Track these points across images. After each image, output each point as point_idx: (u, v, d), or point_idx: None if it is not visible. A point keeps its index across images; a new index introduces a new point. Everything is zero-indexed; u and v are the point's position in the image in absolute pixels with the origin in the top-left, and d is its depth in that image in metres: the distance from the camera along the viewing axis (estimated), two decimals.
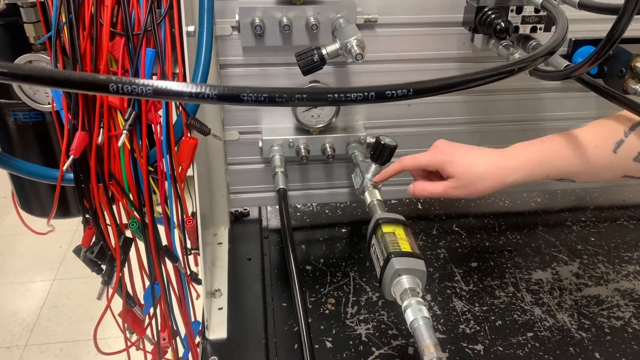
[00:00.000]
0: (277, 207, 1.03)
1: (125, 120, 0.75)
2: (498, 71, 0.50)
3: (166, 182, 0.80)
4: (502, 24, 0.82)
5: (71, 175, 0.80)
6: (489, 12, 0.84)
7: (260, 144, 0.97)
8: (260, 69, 0.93)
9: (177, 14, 0.73)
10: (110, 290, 0.91)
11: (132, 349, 1.02)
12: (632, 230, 1.09)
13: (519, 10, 0.84)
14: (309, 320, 0.77)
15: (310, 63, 0.80)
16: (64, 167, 0.76)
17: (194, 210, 0.85)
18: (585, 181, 0.76)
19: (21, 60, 0.78)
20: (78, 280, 2.41)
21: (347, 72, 0.95)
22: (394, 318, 0.86)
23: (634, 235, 1.08)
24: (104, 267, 0.90)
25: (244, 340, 0.83)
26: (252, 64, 0.92)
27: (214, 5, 0.78)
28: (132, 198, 0.81)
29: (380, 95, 0.44)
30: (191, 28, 0.74)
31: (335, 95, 0.44)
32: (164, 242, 0.87)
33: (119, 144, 0.75)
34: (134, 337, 0.99)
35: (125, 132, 0.75)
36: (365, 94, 0.44)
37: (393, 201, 1.18)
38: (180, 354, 1.00)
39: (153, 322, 0.96)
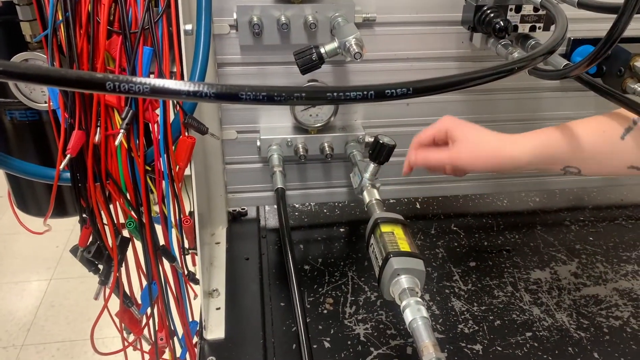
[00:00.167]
0: (275, 206, 1.03)
1: (123, 119, 0.75)
2: (498, 70, 0.50)
3: (163, 182, 0.80)
4: (501, 23, 0.82)
5: (68, 174, 0.79)
6: (488, 11, 0.84)
7: (258, 143, 0.97)
8: (258, 68, 0.93)
9: (174, 12, 0.73)
10: (108, 290, 0.90)
11: (130, 349, 1.01)
12: (631, 230, 1.09)
13: (518, 9, 0.84)
14: (307, 320, 0.77)
15: (308, 62, 0.79)
16: (61, 167, 0.76)
17: (192, 210, 0.84)
18: (590, 172, 0.73)
19: (17, 58, 0.78)
20: (75, 279, 2.41)
21: (346, 71, 0.95)
22: (392, 318, 0.86)
23: (632, 235, 1.08)
24: (101, 267, 0.90)
25: (242, 340, 0.82)
26: (250, 63, 0.92)
27: (212, 3, 0.77)
28: (129, 197, 0.81)
29: (379, 94, 0.44)
30: (189, 26, 0.74)
31: (335, 94, 0.43)
32: (162, 241, 0.86)
33: (116, 143, 0.75)
34: (131, 337, 0.99)
35: (122, 131, 0.74)
36: (365, 93, 0.43)
37: (391, 200, 1.18)
38: (178, 354, 1.00)
39: (150, 322, 0.95)
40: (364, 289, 0.92)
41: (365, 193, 0.85)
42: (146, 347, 1.02)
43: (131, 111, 0.75)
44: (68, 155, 0.74)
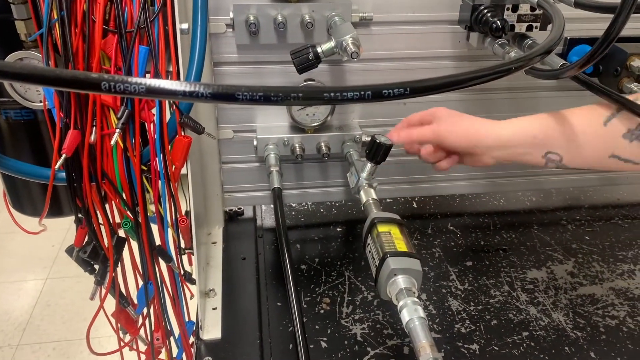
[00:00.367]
0: (272, 206, 1.02)
1: (118, 119, 0.74)
2: (495, 70, 0.50)
3: (160, 181, 0.80)
4: (498, 22, 0.82)
5: (63, 174, 0.79)
6: (485, 11, 0.84)
7: (255, 143, 0.96)
8: (254, 67, 0.92)
9: (170, 11, 0.72)
10: (103, 291, 0.90)
11: (126, 349, 1.01)
12: (627, 229, 1.10)
13: (515, 8, 0.84)
14: (304, 320, 0.76)
15: (305, 61, 0.79)
16: (56, 166, 0.75)
17: (188, 210, 0.84)
18: (571, 161, 0.72)
19: (12, 57, 0.77)
20: (71, 279, 2.40)
21: (343, 70, 0.95)
22: (389, 318, 0.86)
23: (628, 234, 1.08)
24: (97, 267, 0.89)
25: (239, 340, 0.82)
26: (246, 62, 0.92)
27: (208, 2, 0.77)
28: (125, 197, 0.80)
29: (377, 94, 0.43)
30: (185, 25, 0.73)
31: (332, 94, 0.43)
32: (158, 241, 0.86)
33: (112, 142, 0.74)
34: (127, 338, 0.98)
35: (118, 130, 0.74)
36: (362, 93, 0.43)
37: (388, 200, 1.18)
38: (174, 355, 1.00)
39: (147, 322, 0.95)
40: (360, 289, 0.92)
41: (362, 193, 0.84)
42: (142, 347, 1.01)
43: (127, 111, 0.74)
44: (63, 155, 0.74)
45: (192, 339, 0.92)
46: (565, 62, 0.78)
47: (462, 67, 0.97)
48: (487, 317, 0.86)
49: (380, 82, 0.45)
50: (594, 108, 0.71)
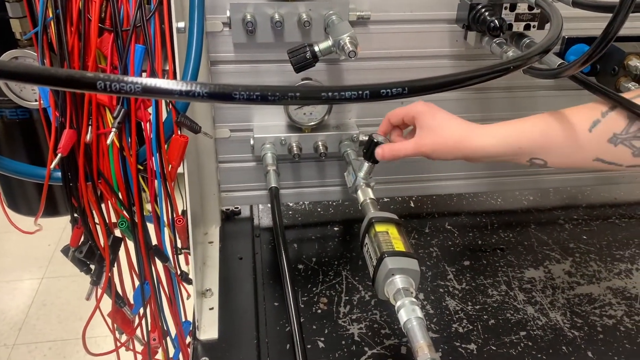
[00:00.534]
0: (269, 205, 1.02)
1: (114, 118, 0.74)
2: (494, 69, 0.50)
3: (156, 181, 0.79)
4: (496, 21, 0.82)
5: (59, 173, 0.79)
6: (483, 10, 0.84)
7: (251, 142, 0.96)
8: (251, 66, 0.92)
9: (167, 9, 0.72)
10: (99, 291, 0.89)
11: (122, 350, 1.01)
12: (624, 229, 1.10)
13: (513, 7, 0.84)
14: (301, 320, 0.76)
15: (302, 60, 0.79)
16: (52, 166, 0.75)
17: (184, 209, 0.84)
18: (555, 164, 0.72)
19: (7, 56, 0.77)
20: (67, 278, 2.39)
21: (340, 69, 0.94)
22: (386, 317, 0.86)
23: (625, 234, 1.08)
24: (93, 266, 0.89)
25: (236, 340, 0.82)
26: (243, 61, 0.91)
27: (205, 1, 0.77)
28: (121, 197, 0.80)
29: (375, 94, 0.43)
30: (181, 24, 0.73)
31: (329, 93, 0.43)
32: (154, 241, 0.86)
33: (108, 142, 0.74)
34: (124, 338, 0.98)
35: (114, 130, 0.73)
36: (360, 92, 0.43)
37: (385, 199, 1.18)
38: (171, 355, 0.99)
39: (143, 322, 0.95)
40: (358, 289, 0.92)
41: (359, 192, 0.84)
42: (139, 347, 1.01)
43: (123, 110, 0.74)
44: (59, 155, 0.73)
45: (188, 339, 0.92)
46: (563, 61, 0.78)
47: (459, 66, 0.97)
48: (485, 316, 0.86)
49: (377, 81, 0.44)
50: (581, 112, 0.70)
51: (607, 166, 0.69)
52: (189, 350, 0.90)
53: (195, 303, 0.86)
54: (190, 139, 0.78)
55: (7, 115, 0.85)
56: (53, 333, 2.14)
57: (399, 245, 0.69)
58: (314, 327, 0.84)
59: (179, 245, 0.88)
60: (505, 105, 1.03)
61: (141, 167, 0.79)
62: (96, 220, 0.83)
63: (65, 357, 2.04)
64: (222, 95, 0.41)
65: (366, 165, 0.85)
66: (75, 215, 0.83)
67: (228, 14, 0.84)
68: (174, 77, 0.76)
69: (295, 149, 0.95)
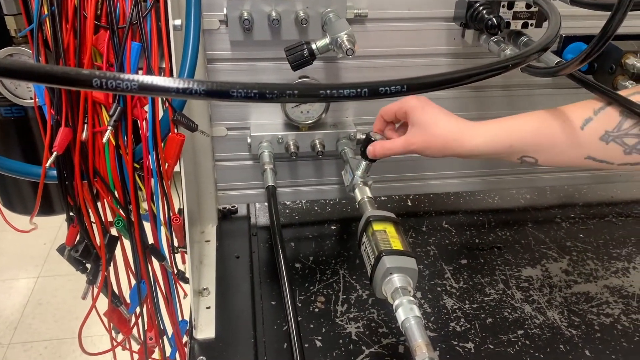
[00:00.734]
0: (266, 204, 1.02)
1: (110, 116, 0.74)
2: (493, 67, 0.50)
3: (152, 179, 0.79)
4: (494, 19, 0.81)
5: (54, 172, 0.78)
6: (480, 8, 0.83)
7: (248, 140, 0.96)
8: (248, 64, 0.92)
9: (163, 6, 0.71)
10: (96, 290, 0.89)
11: (118, 349, 1.00)
12: (621, 227, 1.10)
13: (511, 5, 0.83)
14: (299, 319, 0.76)
15: (300, 58, 0.79)
16: (47, 164, 0.74)
17: (181, 208, 0.83)
18: (547, 162, 0.72)
19: (1, 53, 0.76)
20: (63, 277, 2.38)
21: (337, 67, 0.94)
22: (384, 316, 0.85)
23: (622, 232, 1.08)
24: (88, 265, 0.88)
25: (233, 339, 0.81)
26: (240, 59, 0.91)
27: None
28: (117, 195, 0.80)
29: (373, 91, 0.43)
30: (178, 21, 0.72)
31: (328, 91, 0.42)
32: (151, 240, 0.85)
33: (104, 140, 0.73)
34: (120, 337, 0.97)
35: (110, 128, 0.73)
36: (358, 90, 0.43)
37: (383, 198, 1.17)
38: (168, 354, 0.99)
39: (139, 321, 0.94)
40: (355, 287, 0.91)
41: (356, 191, 0.84)
42: (135, 346, 1.00)
43: (119, 108, 0.74)
44: (54, 153, 0.73)
45: (185, 338, 0.91)
46: (560, 59, 0.78)
47: (457, 65, 0.97)
48: (482, 315, 0.86)
49: (375, 79, 0.44)
50: (574, 110, 0.69)
51: (598, 164, 0.69)
52: (185, 349, 0.90)
53: (192, 302, 0.86)
54: (187, 137, 0.78)
55: (2, 113, 0.84)
56: (49, 332, 2.13)
57: (396, 244, 0.69)
58: (312, 326, 0.84)
59: (176, 244, 0.87)
60: (503, 104, 1.03)
61: (137, 166, 0.79)
62: (92, 219, 0.82)
63: (61, 356, 2.03)
64: (220, 92, 0.40)
65: (363, 163, 0.84)
66: (71, 213, 0.82)
67: (225, 11, 0.84)
68: (171, 75, 0.75)
69: (292, 147, 0.95)
